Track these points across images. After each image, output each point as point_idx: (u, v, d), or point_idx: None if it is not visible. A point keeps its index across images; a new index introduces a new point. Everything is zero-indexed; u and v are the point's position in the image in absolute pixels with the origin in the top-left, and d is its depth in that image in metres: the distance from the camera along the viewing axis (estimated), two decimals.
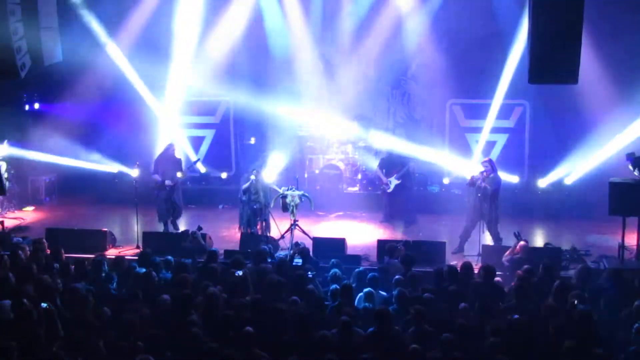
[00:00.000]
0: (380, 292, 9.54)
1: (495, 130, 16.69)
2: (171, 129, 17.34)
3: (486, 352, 7.62)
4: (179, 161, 14.49)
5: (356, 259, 12.28)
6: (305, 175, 16.92)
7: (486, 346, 7.65)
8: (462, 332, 7.93)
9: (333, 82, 17.72)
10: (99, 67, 16.57)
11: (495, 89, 16.08)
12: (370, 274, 9.96)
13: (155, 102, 17.22)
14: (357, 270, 10.69)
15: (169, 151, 14.39)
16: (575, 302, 8.75)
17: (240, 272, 9.98)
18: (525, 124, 16.82)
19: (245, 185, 13.75)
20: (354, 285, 9.76)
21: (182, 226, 14.42)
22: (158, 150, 15.27)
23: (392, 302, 9.16)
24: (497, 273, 10.80)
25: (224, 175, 17.62)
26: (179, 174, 14.16)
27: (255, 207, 13.60)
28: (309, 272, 10.23)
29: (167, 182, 14.01)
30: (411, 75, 17.48)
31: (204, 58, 16.95)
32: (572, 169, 15.80)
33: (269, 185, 14.00)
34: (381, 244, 12.38)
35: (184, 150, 17.10)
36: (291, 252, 11.90)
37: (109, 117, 17.18)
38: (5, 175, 14.24)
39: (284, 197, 13.50)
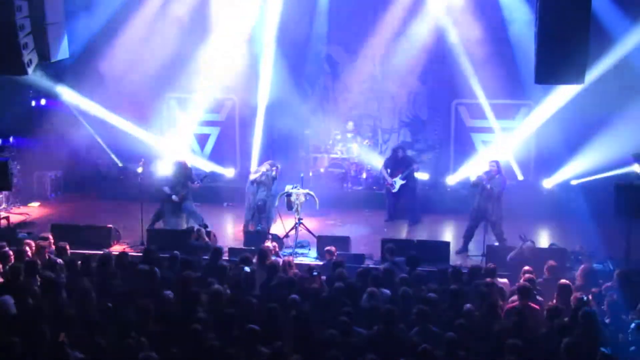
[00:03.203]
0: (384, 290, 9.53)
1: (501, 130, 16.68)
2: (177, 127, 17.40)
3: (494, 351, 7.63)
4: (189, 173, 14.02)
5: (360, 257, 12.28)
6: (310, 174, 16.91)
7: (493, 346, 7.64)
8: (464, 332, 7.93)
9: (339, 81, 17.75)
10: (106, 62, 16.62)
11: (501, 89, 16.09)
12: (373, 273, 9.95)
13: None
14: (360, 269, 10.67)
15: (180, 168, 13.94)
16: (580, 302, 8.77)
17: (248, 269, 10.01)
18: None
19: (254, 176, 13.71)
20: (358, 284, 9.76)
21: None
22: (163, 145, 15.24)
23: (396, 301, 9.15)
24: (503, 273, 10.81)
25: (228, 173, 17.61)
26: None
27: (259, 203, 13.58)
28: (314, 271, 10.23)
29: (174, 198, 13.73)
30: (417, 75, 17.45)
31: (210, 55, 16.96)
32: (578, 170, 15.75)
33: (275, 183, 13.98)
34: (385, 243, 12.37)
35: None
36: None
37: (115, 113, 17.19)
38: (11, 170, 14.25)
39: (289, 195, 13.52)
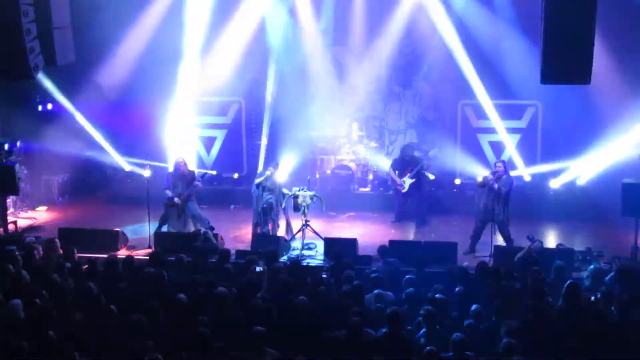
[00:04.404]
0: (388, 292, 9.52)
1: (507, 130, 16.62)
2: (183, 130, 17.36)
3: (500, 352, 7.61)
4: (191, 174, 14.01)
5: (368, 259, 12.27)
6: (317, 176, 16.91)
7: (502, 346, 7.62)
8: (471, 333, 7.92)
9: (345, 82, 17.74)
10: (111, 67, 16.65)
11: (507, 89, 16.05)
12: (373, 275, 9.94)
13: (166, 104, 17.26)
14: (366, 271, 10.66)
15: (179, 169, 13.89)
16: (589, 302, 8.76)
17: (259, 268, 10.02)
18: (537, 124, 16.75)
19: (259, 180, 13.72)
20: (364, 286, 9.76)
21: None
22: (168, 147, 15.23)
23: (403, 303, 9.14)
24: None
25: (235, 175, 17.63)
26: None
27: (264, 206, 13.57)
28: (322, 274, 10.23)
29: (176, 200, 13.68)
30: (423, 76, 17.43)
31: (215, 58, 16.95)
32: (585, 170, 15.70)
33: (281, 185, 13.95)
34: (393, 244, 12.37)
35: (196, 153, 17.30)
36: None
37: (121, 117, 17.22)
38: (18, 175, 14.28)
39: (295, 197, 13.52)
